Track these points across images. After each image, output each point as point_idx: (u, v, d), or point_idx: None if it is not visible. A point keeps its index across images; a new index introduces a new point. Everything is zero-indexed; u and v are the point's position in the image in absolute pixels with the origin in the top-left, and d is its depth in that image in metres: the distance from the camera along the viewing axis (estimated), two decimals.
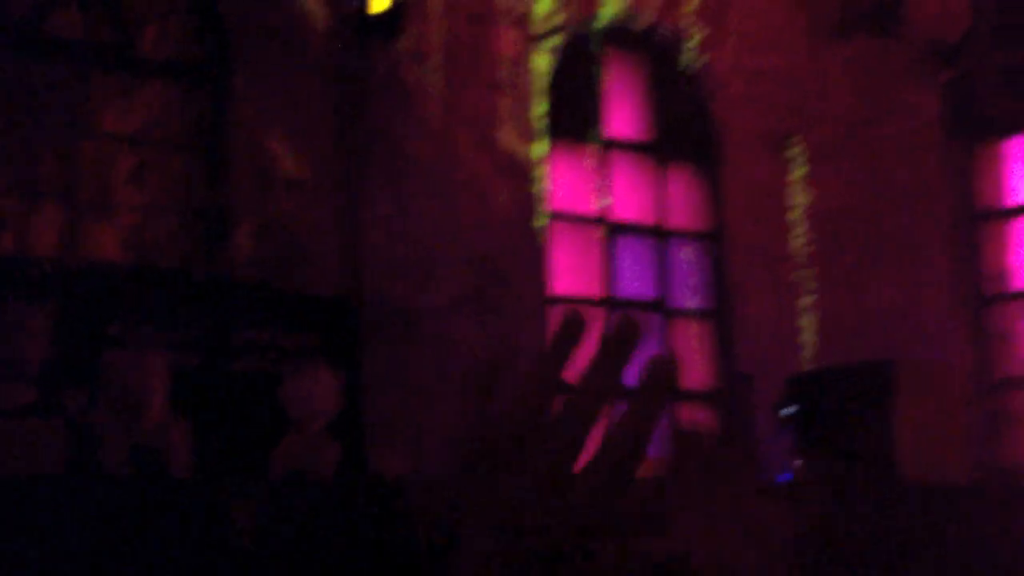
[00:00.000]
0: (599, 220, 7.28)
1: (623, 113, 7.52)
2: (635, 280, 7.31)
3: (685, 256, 7.53)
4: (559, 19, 7.06)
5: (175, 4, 6.04)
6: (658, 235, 7.49)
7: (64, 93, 5.72)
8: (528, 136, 6.86)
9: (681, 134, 7.63)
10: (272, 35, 6.12)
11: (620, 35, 7.48)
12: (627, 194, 7.43)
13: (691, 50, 7.59)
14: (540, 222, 6.83)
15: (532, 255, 6.75)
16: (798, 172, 7.71)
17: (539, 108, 6.91)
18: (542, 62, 6.98)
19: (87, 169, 5.74)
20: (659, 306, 7.39)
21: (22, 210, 5.52)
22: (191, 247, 5.97)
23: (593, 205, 7.27)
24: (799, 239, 7.65)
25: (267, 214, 6.05)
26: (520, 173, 6.79)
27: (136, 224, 5.85)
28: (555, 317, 6.88)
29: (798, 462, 5.70)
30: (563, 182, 7.14)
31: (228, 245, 5.94)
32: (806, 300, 7.53)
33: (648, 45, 7.61)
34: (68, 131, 5.72)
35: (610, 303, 7.21)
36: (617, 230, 7.32)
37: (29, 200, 5.56)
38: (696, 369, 7.41)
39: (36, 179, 5.61)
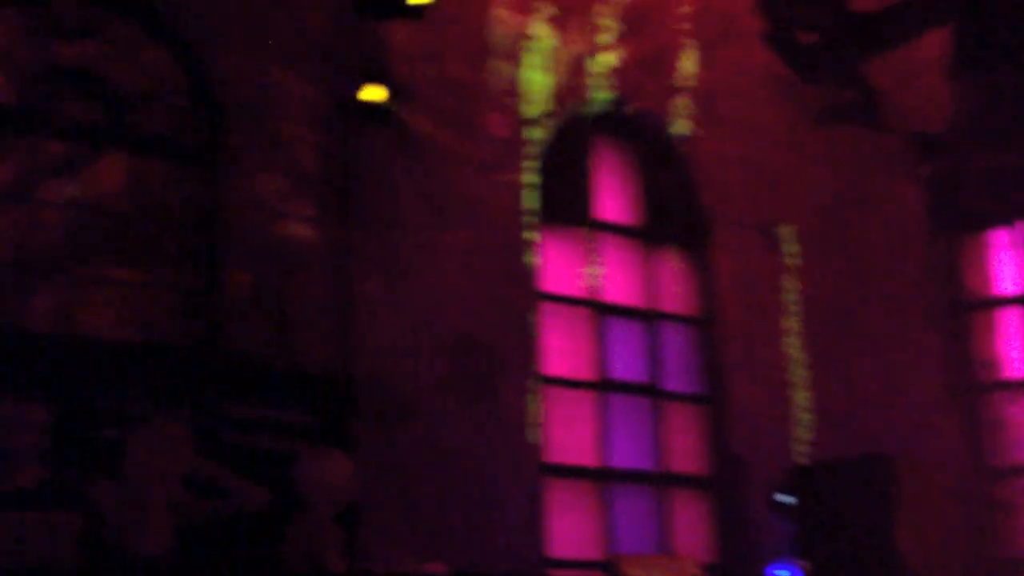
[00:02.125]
0: (589, 302, 7.29)
1: (613, 196, 7.59)
2: (626, 363, 7.30)
3: (676, 340, 7.55)
4: (550, 103, 7.14)
5: (171, 86, 6.04)
6: (648, 318, 7.51)
7: (64, 170, 5.67)
8: (518, 217, 6.88)
9: (670, 218, 7.70)
10: (267, 117, 6.12)
11: (610, 120, 7.58)
12: (617, 277, 7.45)
13: (679, 137, 7.70)
14: (531, 303, 6.83)
15: (523, 335, 6.73)
16: (786, 259, 7.79)
17: (529, 191, 6.95)
18: (533, 144, 7.03)
19: (84, 244, 5.66)
20: (650, 389, 7.38)
21: (18, 286, 5.43)
22: (184, 323, 5.89)
23: (583, 287, 7.29)
24: (789, 326, 7.71)
25: (259, 291, 5.99)
26: (511, 254, 6.80)
27: (130, 300, 5.76)
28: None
29: (805, 563, 5.66)
30: (553, 263, 7.15)
31: (220, 322, 5.87)
32: (797, 387, 7.57)
33: (638, 130, 7.71)
34: (67, 207, 5.65)
35: (602, 386, 7.20)
36: (607, 312, 7.33)
37: (25, 276, 5.47)
38: (688, 454, 7.38)
39: (34, 255, 5.52)
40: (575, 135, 7.40)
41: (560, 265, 7.21)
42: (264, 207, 6.03)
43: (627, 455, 7.16)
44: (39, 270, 5.51)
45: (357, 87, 5.99)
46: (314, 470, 4.10)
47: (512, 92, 6.99)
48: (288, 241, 6.05)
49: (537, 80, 7.10)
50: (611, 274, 7.41)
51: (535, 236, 6.92)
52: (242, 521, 4.23)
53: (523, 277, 6.81)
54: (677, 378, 7.48)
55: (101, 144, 5.77)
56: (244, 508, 3.98)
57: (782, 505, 5.91)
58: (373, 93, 6.08)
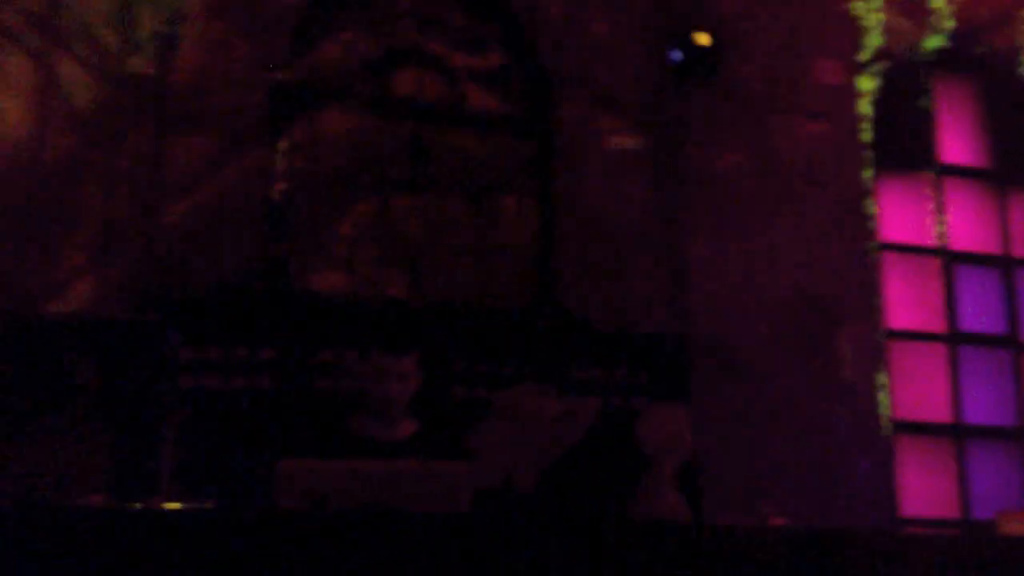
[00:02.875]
0: (936, 251, 6.90)
1: (956, 139, 7.13)
2: (980, 313, 6.87)
3: None
4: (884, 46, 6.81)
5: (500, 59, 6.25)
6: (1003, 265, 7.01)
7: (404, 147, 6.02)
8: (855, 166, 6.61)
9: (1023, 159, 7.15)
10: (591, 84, 6.21)
11: (950, 58, 7.12)
12: (965, 223, 7.01)
13: None
14: (871, 254, 6.56)
15: (862, 288, 6.48)
16: None
17: (865, 137, 6.66)
18: (867, 90, 6.73)
19: (427, 217, 6.00)
20: (1009, 341, 6.91)
21: (372, 257, 5.84)
22: (523, 288, 6.11)
23: (929, 235, 6.91)
24: None
25: (593, 254, 6.11)
26: (847, 204, 6.55)
27: (470, 267, 6.04)
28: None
29: None
30: (894, 212, 6.83)
31: (557, 286, 6.04)
32: None
33: (981, 67, 7.20)
34: (406, 182, 5.99)
35: (953, 338, 6.81)
36: (956, 260, 6.92)
37: (378, 248, 5.87)
38: None
39: (383, 230, 5.91)
40: (913, 76, 7.01)
41: (902, 213, 6.87)
42: (593, 170, 6.15)
43: (984, 411, 6.74)
44: (392, 241, 5.90)
45: (683, 40, 5.95)
46: (655, 426, 4.13)
47: (844, 34, 6.71)
48: (618, 202, 6.14)
49: (871, 20, 6.78)
50: (959, 220, 6.98)
51: (873, 184, 6.63)
52: (586, 458, 4.32)
53: (861, 228, 6.55)
54: None
55: (440, 121, 6.08)
56: (582, 423, 4.06)
57: None
58: (699, 43, 6.01)
